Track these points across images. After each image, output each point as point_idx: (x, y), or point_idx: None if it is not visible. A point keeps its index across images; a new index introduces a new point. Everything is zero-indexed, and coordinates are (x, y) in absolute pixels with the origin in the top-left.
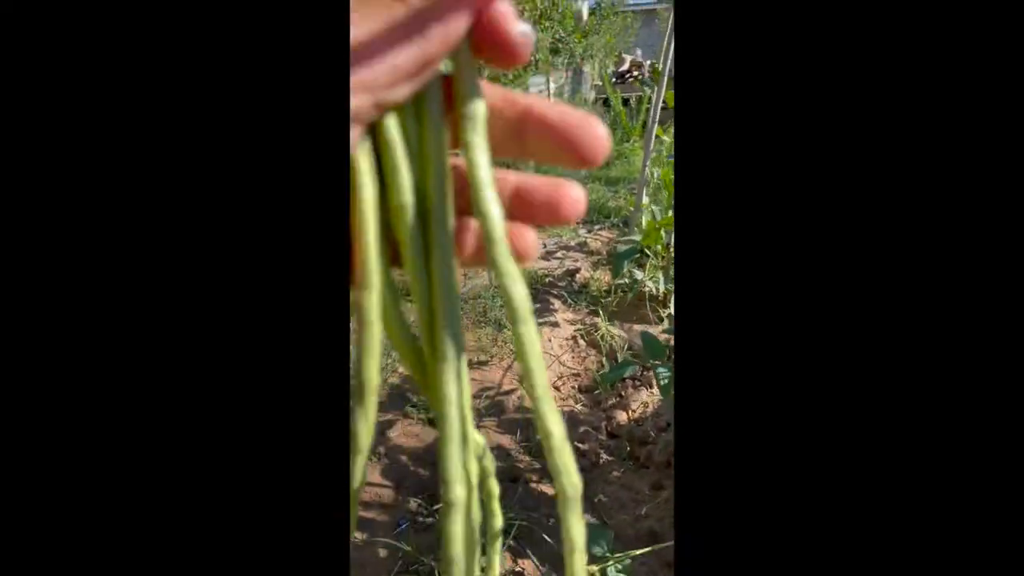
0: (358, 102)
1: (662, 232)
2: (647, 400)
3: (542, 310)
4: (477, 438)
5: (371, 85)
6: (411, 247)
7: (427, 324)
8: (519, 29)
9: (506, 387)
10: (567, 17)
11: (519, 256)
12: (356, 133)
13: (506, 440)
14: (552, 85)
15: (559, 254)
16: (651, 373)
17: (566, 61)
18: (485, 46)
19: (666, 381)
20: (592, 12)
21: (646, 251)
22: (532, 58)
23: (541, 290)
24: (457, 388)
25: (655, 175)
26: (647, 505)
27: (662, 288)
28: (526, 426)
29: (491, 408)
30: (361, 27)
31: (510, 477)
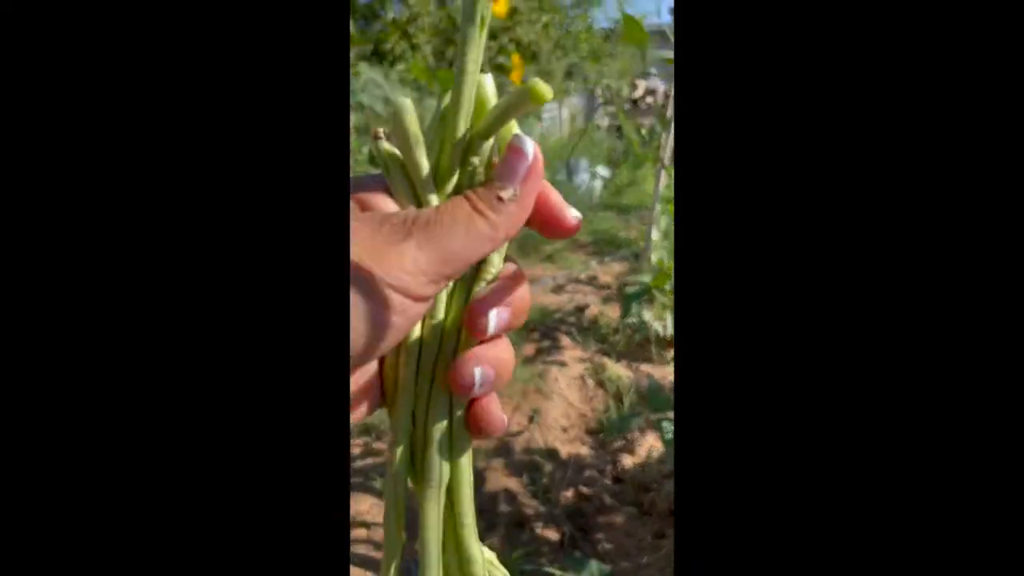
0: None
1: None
2: (653, 444)
3: (551, 348)
4: (486, 554)
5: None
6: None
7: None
8: (573, 215)
9: (514, 428)
10: (580, 41)
11: (481, 431)
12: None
13: (513, 483)
14: (565, 111)
15: (569, 287)
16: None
17: (579, 86)
18: (545, 229)
19: (670, 435)
20: (607, 36)
21: (654, 291)
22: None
23: (551, 326)
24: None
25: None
26: (648, 555)
27: (669, 330)
28: (533, 468)
29: (499, 450)
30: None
31: (516, 521)
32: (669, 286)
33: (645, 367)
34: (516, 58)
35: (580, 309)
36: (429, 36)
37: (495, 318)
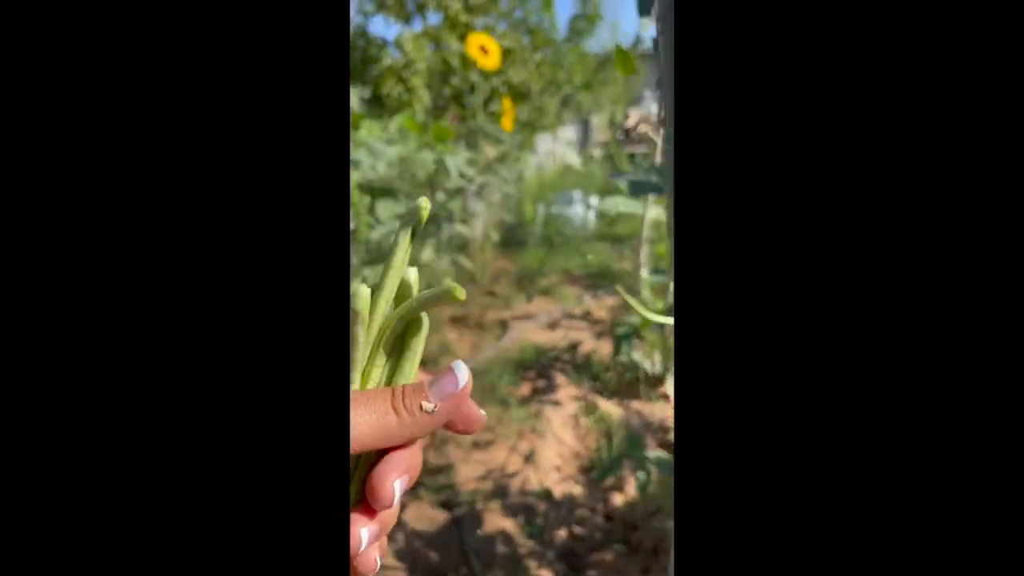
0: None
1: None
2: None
3: (546, 388)
4: None
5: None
6: None
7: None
8: (479, 423)
9: (511, 469)
10: (574, 73)
11: (376, 504)
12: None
13: (510, 524)
14: (559, 143)
15: (564, 323)
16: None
17: (573, 116)
18: (453, 429)
19: (643, 480)
20: (600, 64)
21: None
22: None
23: (545, 365)
24: None
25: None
26: None
27: (658, 368)
28: (528, 509)
29: (497, 492)
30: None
31: (513, 561)
32: (658, 324)
33: (636, 404)
34: (507, 103)
35: (574, 346)
36: (425, 79)
37: (398, 487)
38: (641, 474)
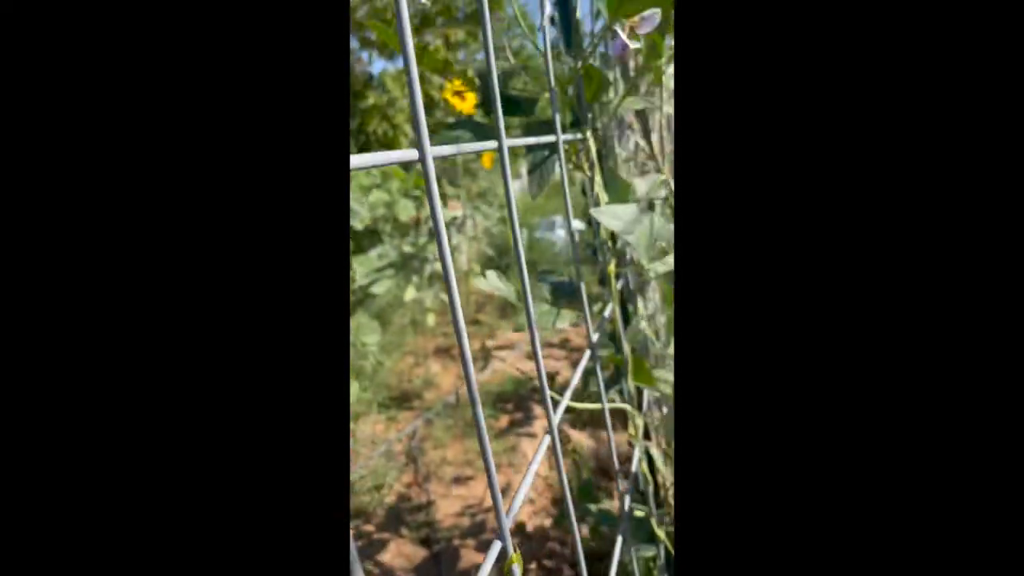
0: None
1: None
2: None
3: (523, 420)
4: None
5: None
6: None
7: None
8: None
9: (487, 503)
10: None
11: None
12: None
13: (482, 559)
14: None
15: (543, 352)
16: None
17: None
18: None
19: (592, 524)
20: None
21: None
22: None
23: (524, 396)
24: None
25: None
26: None
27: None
28: None
29: (472, 528)
30: None
31: None
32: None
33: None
34: None
35: (551, 376)
36: (407, 118)
37: None
38: (591, 519)
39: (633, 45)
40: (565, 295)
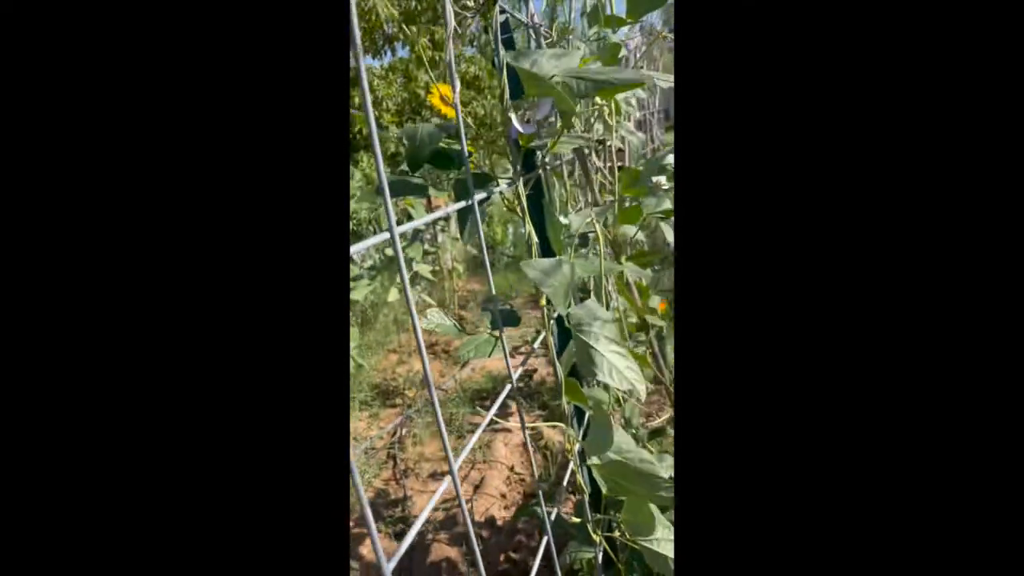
0: None
1: None
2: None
3: (500, 415)
4: None
5: None
6: None
7: None
8: None
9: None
10: None
11: None
12: None
13: (454, 552)
14: None
15: (523, 349)
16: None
17: None
18: None
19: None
20: None
21: None
22: None
23: (501, 393)
24: None
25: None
26: None
27: None
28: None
29: (445, 522)
30: None
31: None
32: None
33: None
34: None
35: (529, 374)
36: (395, 118)
37: None
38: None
39: (528, 131)
40: (506, 323)
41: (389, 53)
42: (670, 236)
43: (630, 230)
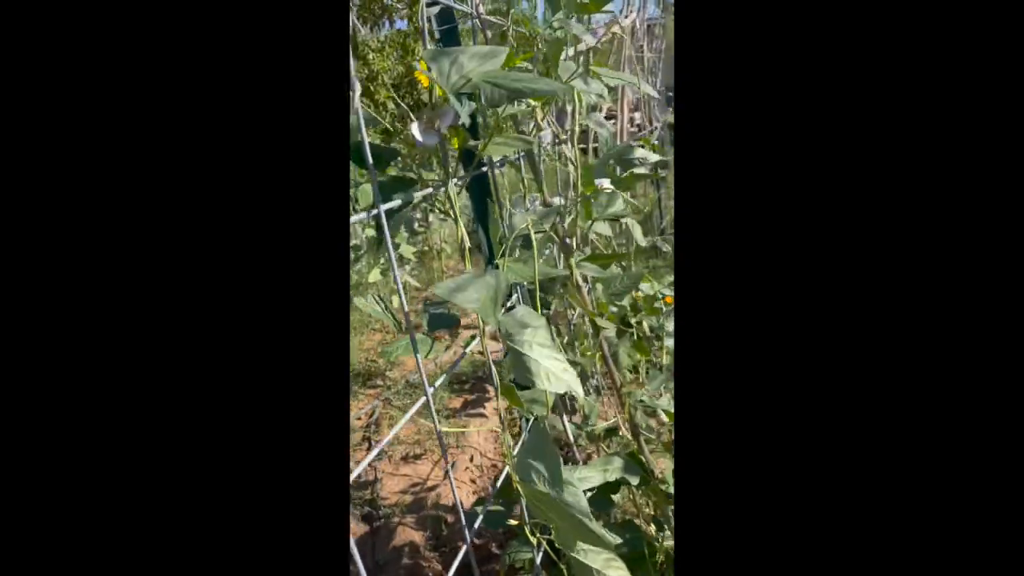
0: None
1: None
2: None
3: (476, 401)
4: None
5: None
6: None
7: None
8: None
9: (431, 482)
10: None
11: None
12: None
13: (418, 536)
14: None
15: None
16: None
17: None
18: None
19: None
20: None
21: None
22: None
23: (481, 378)
24: None
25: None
26: None
27: None
28: (436, 523)
29: (412, 506)
30: None
31: (411, 573)
32: None
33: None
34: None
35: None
36: (388, 95)
37: None
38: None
39: (430, 142)
40: (443, 325)
41: (387, 24)
42: (638, 234)
43: (599, 227)
